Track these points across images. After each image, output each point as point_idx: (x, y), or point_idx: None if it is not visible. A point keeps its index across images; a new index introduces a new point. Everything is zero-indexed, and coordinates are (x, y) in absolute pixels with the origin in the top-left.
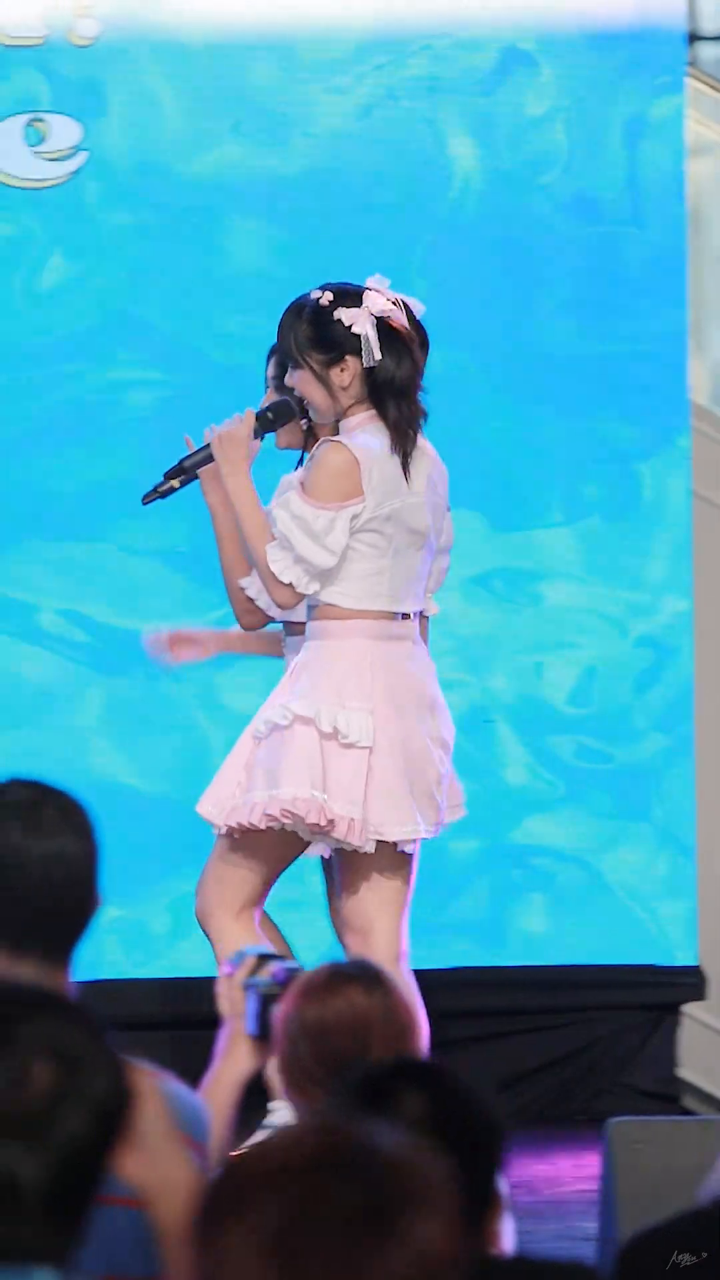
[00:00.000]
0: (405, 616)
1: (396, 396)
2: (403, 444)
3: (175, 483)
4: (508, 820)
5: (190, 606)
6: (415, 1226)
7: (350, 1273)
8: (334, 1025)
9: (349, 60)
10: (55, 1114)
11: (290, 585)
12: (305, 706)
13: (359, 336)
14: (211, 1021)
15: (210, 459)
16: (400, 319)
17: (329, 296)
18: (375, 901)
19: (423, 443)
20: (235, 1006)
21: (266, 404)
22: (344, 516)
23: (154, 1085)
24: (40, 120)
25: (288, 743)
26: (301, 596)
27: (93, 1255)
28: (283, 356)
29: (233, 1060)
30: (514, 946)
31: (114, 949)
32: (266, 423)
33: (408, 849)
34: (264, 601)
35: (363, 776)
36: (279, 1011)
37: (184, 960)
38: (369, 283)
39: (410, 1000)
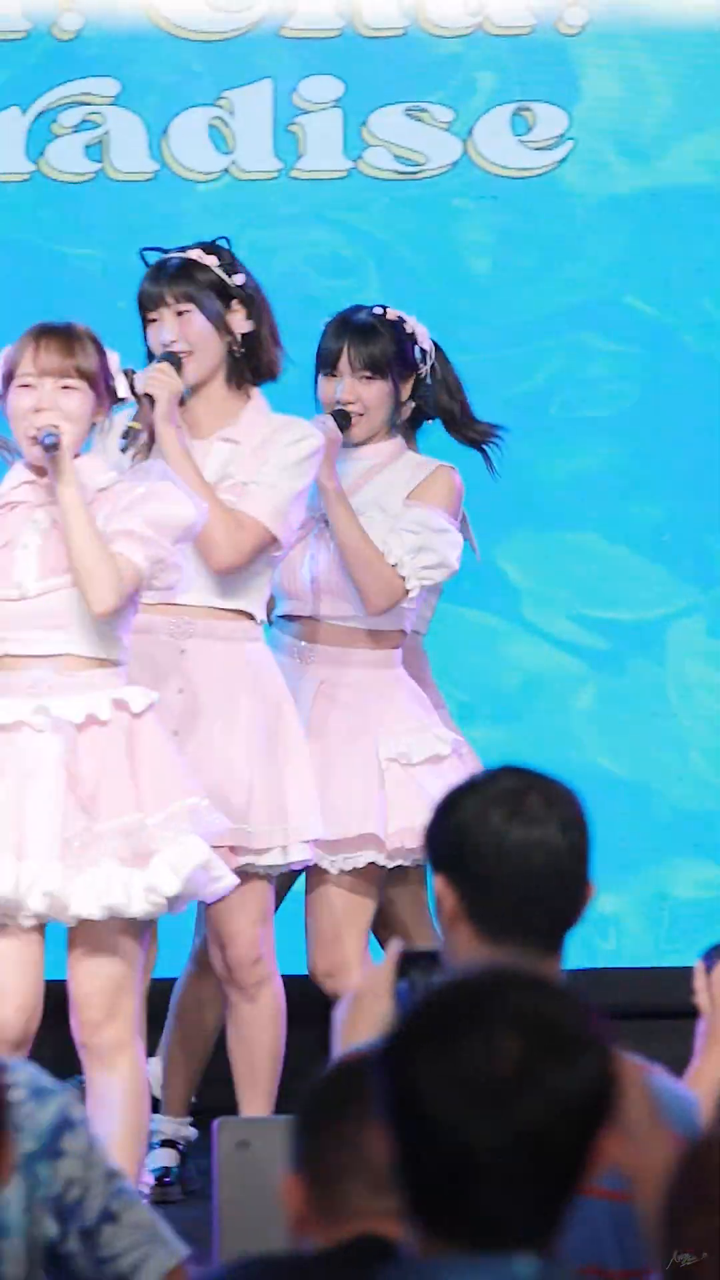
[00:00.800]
0: None
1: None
2: None
3: None
4: None
5: (667, 596)
6: None
7: None
8: None
9: None
10: (519, 1090)
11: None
12: (448, 734)
13: (425, 351)
14: (680, 1013)
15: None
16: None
17: (394, 311)
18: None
19: None
20: (715, 1002)
21: (332, 409)
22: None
23: (641, 1077)
24: (527, 109)
25: (454, 771)
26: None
27: (572, 1246)
28: (365, 366)
29: (713, 1057)
30: None
31: (588, 937)
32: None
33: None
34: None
35: None
36: None
37: (655, 949)
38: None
39: None
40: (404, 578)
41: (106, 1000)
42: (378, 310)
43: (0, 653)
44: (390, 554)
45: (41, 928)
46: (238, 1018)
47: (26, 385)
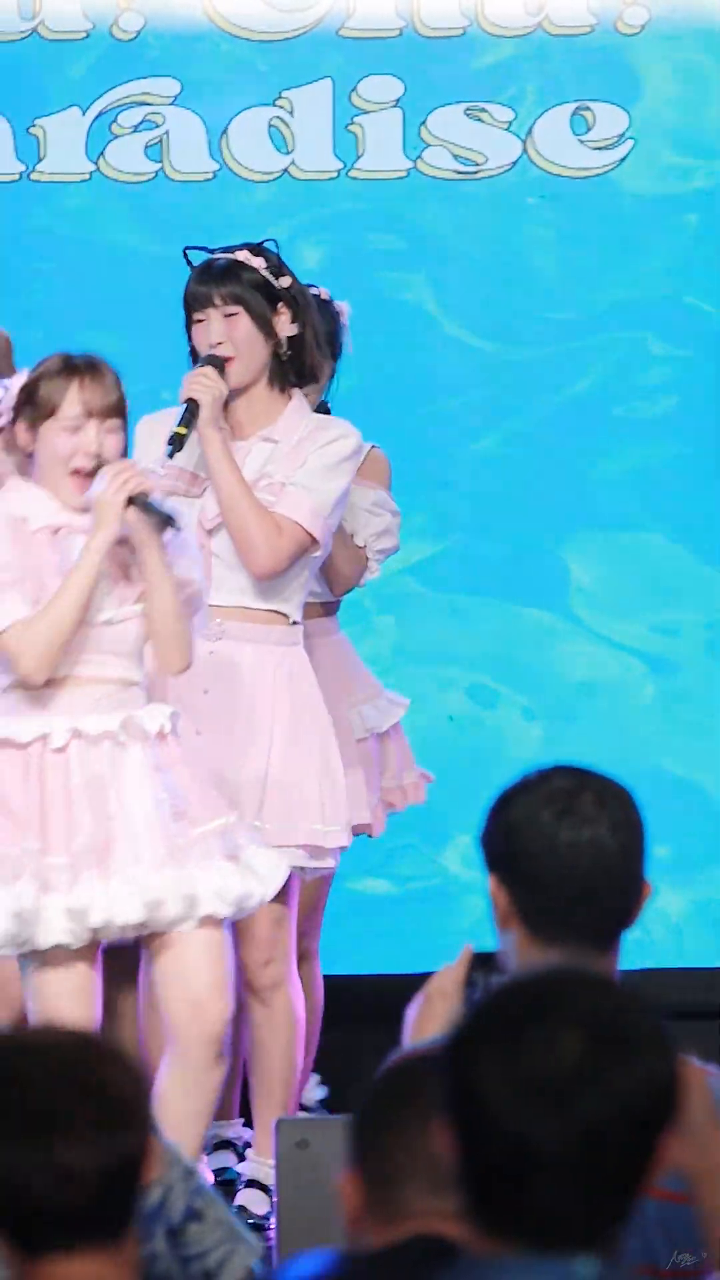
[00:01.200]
0: None
1: None
2: None
3: None
4: None
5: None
6: None
7: None
8: None
9: None
10: (581, 1088)
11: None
12: (400, 698)
13: (345, 328)
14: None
15: None
16: None
17: (324, 290)
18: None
19: None
20: None
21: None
22: None
23: (701, 1079)
24: (587, 109)
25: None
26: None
27: (629, 1244)
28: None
29: None
30: None
31: (648, 936)
32: None
33: None
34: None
35: None
36: None
37: (714, 949)
38: None
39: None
40: (368, 559)
41: (228, 1005)
42: (312, 290)
43: (67, 673)
44: (359, 535)
45: (98, 951)
46: (251, 1022)
47: (70, 427)
